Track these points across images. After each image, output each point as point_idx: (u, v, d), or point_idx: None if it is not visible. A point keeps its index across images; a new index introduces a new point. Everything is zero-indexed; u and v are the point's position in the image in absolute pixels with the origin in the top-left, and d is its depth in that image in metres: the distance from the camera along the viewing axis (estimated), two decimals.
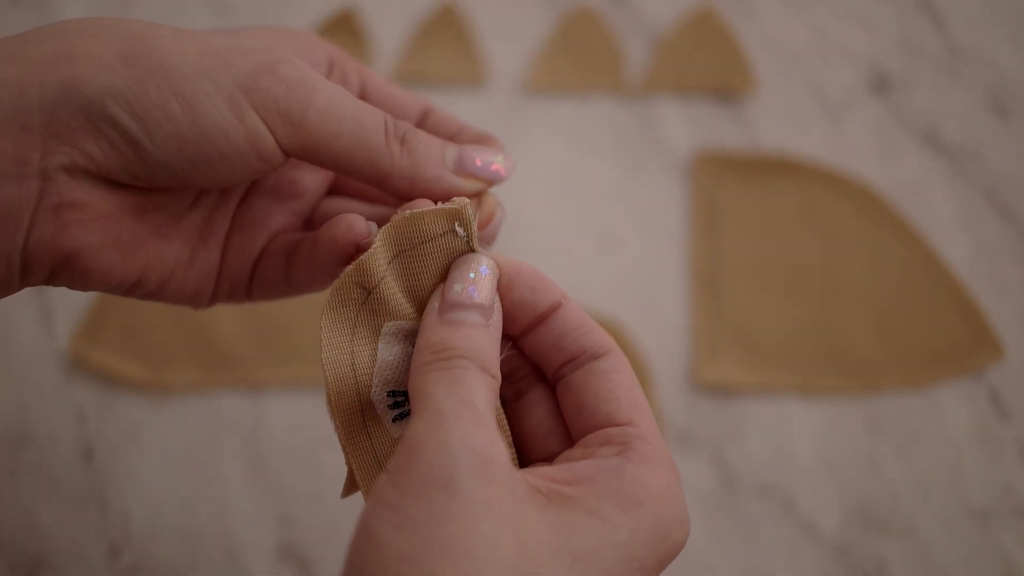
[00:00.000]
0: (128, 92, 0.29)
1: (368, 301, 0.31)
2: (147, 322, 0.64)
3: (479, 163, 0.34)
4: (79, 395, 0.63)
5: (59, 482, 0.61)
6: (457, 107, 0.69)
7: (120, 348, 0.63)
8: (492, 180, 0.35)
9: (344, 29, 0.70)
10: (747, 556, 0.60)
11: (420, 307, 0.32)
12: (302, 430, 0.62)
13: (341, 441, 0.31)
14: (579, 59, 0.69)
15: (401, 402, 0.32)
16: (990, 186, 0.66)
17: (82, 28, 0.30)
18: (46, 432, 0.62)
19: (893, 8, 0.70)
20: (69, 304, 0.64)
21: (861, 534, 0.60)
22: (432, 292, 0.31)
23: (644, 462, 0.28)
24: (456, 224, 0.31)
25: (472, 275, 0.31)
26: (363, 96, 0.37)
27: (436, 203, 0.31)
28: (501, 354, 0.31)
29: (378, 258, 0.30)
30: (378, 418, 0.32)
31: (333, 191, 0.40)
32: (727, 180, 0.67)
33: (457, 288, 0.30)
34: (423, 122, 0.38)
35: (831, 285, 0.64)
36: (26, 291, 0.64)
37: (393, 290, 0.31)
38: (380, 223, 0.32)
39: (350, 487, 0.32)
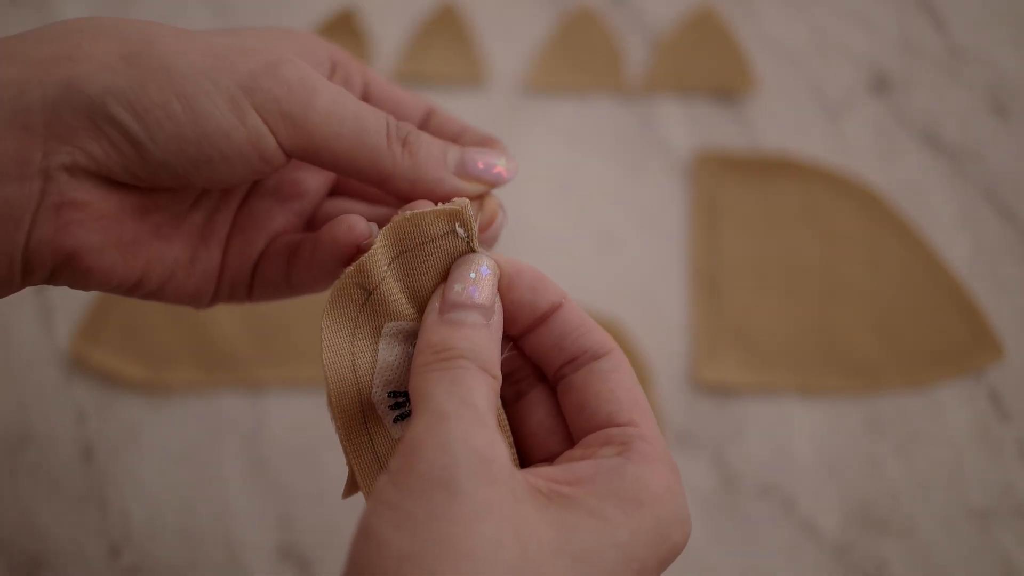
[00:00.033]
0: (130, 92, 0.29)
1: (369, 302, 0.31)
2: (147, 322, 0.64)
3: (481, 165, 0.34)
4: (79, 395, 0.63)
5: (59, 482, 0.61)
6: (457, 107, 0.69)
7: (120, 348, 0.63)
8: (494, 183, 0.35)
9: (344, 29, 0.70)
10: (747, 556, 0.60)
11: (421, 308, 0.32)
12: (302, 430, 0.62)
13: (342, 442, 0.31)
14: (579, 59, 0.69)
15: (402, 403, 0.32)
16: (990, 186, 0.66)
17: (83, 28, 0.30)
18: (46, 432, 0.62)
19: (893, 8, 0.70)
20: (69, 304, 0.64)
21: (861, 534, 0.60)
22: (433, 293, 0.31)
23: (645, 462, 0.28)
24: (457, 225, 0.31)
25: (473, 275, 0.31)
26: (365, 97, 0.37)
27: (437, 204, 0.31)
28: (502, 354, 0.31)
29: (379, 259, 0.30)
30: (379, 419, 0.32)
31: (335, 192, 0.40)
32: (727, 180, 0.67)
33: (458, 288, 0.30)
34: (426, 123, 0.38)
35: (831, 285, 0.64)
36: (26, 291, 0.64)
37: (394, 291, 0.31)
38: (381, 224, 0.32)
39: (351, 488, 0.32)
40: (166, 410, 0.63)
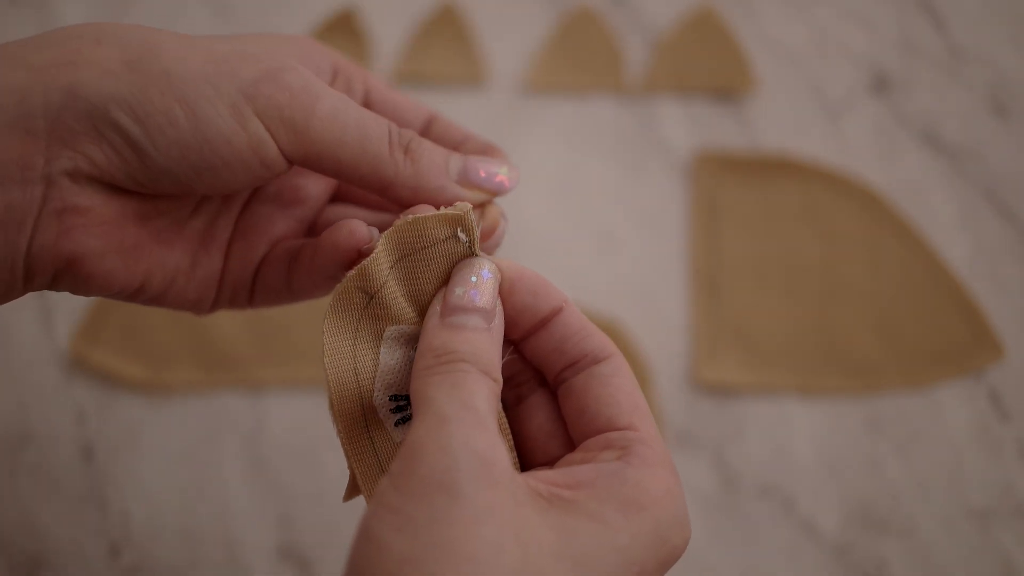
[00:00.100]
0: (132, 98, 0.29)
1: (370, 306, 0.31)
2: (147, 322, 0.64)
3: (483, 174, 0.34)
4: (79, 395, 0.63)
5: (59, 482, 0.61)
6: (457, 107, 0.69)
7: (120, 348, 0.63)
8: (496, 191, 0.35)
9: (344, 29, 0.70)
10: (747, 556, 0.60)
11: (422, 311, 0.32)
12: (302, 430, 0.62)
13: (343, 445, 0.31)
14: (579, 59, 0.69)
15: (403, 406, 0.32)
16: (990, 186, 0.66)
17: (86, 34, 0.30)
18: (46, 432, 0.62)
19: (893, 8, 0.70)
20: (69, 304, 0.64)
21: (861, 534, 0.60)
22: (434, 296, 0.31)
23: (645, 466, 0.28)
24: (459, 229, 0.31)
25: (474, 279, 0.31)
26: (367, 104, 0.37)
27: (439, 208, 0.31)
28: (502, 358, 0.31)
29: (380, 263, 0.30)
30: (380, 422, 0.32)
31: (336, 198, 0.40)
32: (727, 180, 0.67)
33: (459, 292, 0.30)
34: (427, 130, 0.38)
35: (831, 285, 0.64)
36: None
37: (395, 294, 0.31)
38: (383, 230, 0.32)
39: (352, 491, 0.32)
40: (166, 410, 0.63)
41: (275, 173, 0.32)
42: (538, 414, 0.32)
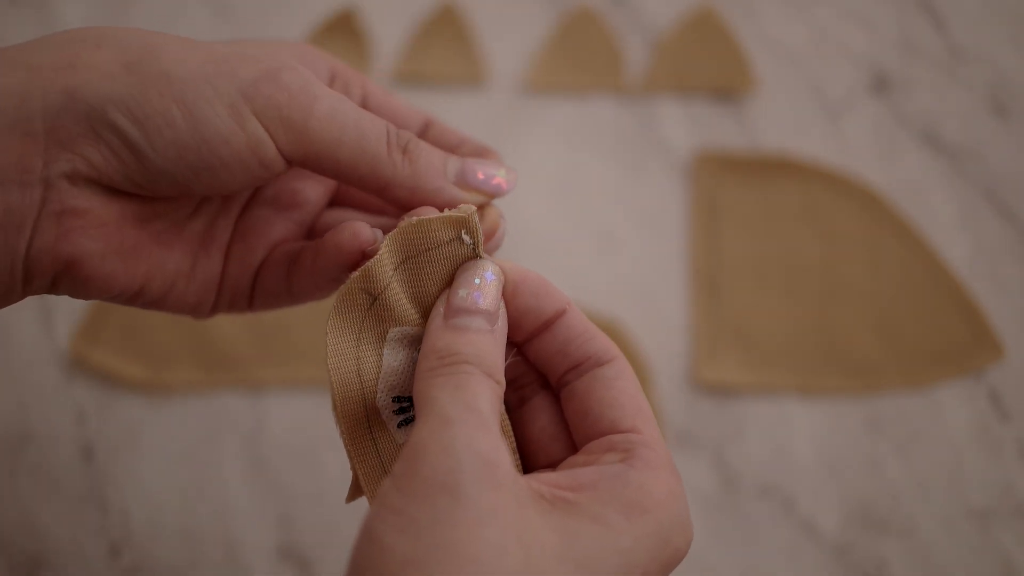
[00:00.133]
0: (129, 99, 0.29)
1: (374, 307, 0.31)
2: (147, 322, 0.64)
3: (481, 176, 0.34)
4: (79, 395, 0.63)
5: (59, 482, 0.61)
6: (457, 107, 0.69)
7: (120, 348, 0.63)
8: (494, 194, 0.35)
9: (344, 29, 0.70)
10: (747, 556, 0.60)
11: (425, 313, 0.32)
12: (302, 430, 0.62)
13: (346, 446, 0.31)
14: (579, 59, 0.69)
15: (406, 408, 0.32)
16: (990, 186, 0.66)
17: (85, 37, 0.30)
18: (46, 432, 0.62)
19: (893, 8, 0.70)
20: (69, 304, 0.64)
21: (861, 534, 0.60)
22: (438, 298, 0.31)
23: (648, 469, 0.28)
24: (462, 231, 0.31)
25: (477, 281, 0.31)
26: (364, 107, 0.37)
27: (443, 211, 0.31)
28: (506, 360, 0.31)
29: (384, 264, 0.30)
30: (383, 424, 0.32)
31: (335, 203, 0.40)
32: (727, 180, 0.67)
33: (462, 294, 0.30)
34: (424, 134, 0.38)
35: (831, 285, 0.64)
36: None
37: (399, 296, 0.31)
38: (385, 232, 0.32)
39: (355, 492, 0.32)
40: (166, 410, 0.63)
41: (274, 173, 0.32)
42: (541, 416, 0.32)
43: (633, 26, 0.70)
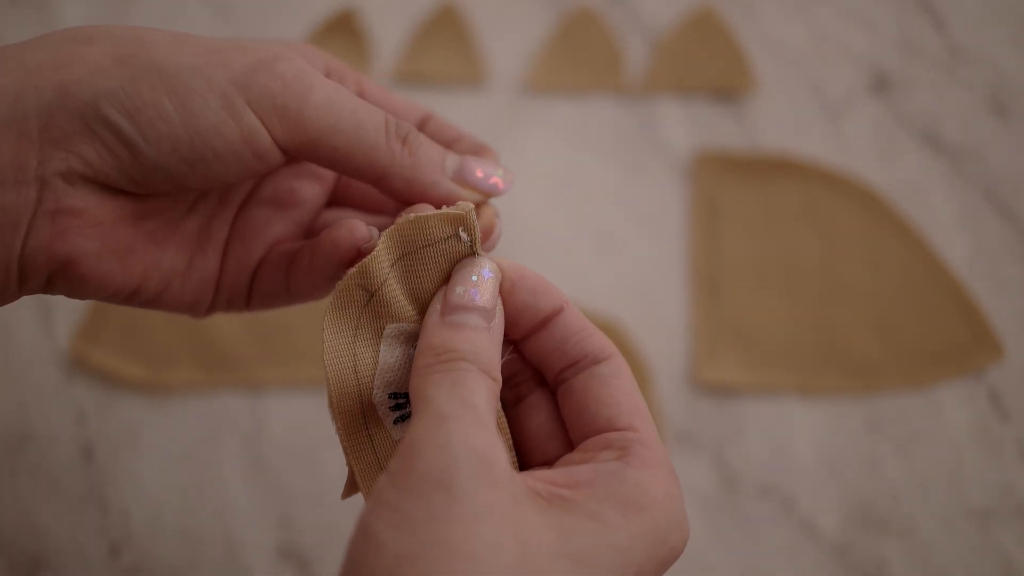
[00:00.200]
0: (121, 93, 0.29)
1: (371, 303, 0.31)
2: (147, 322, 0.64)
3: (480, 174, 0.34)
4: (79, 395, 0.63)
5: (59, 482, 0.61)
6: (457, 107, 0.69)
7: (120, 348, 0.63)
8: (490, 193, 0.35)
9: (344, 29, 0.70)
10: (747, 556, 0.60)
11: (422, 310, 0.32)
12: (302, 430, 0.62)
13: (342, 442, 0.31)
14: (579, 59, 0.69)
15: (403, 404, 0.32)
16: (990, 186, 0.66)
17: (80, 35, 0.30)
18: (46, 432, 0.62)
19: (893, 8, 0.70)
20: (69, 304, 0.64)
21: (861, 534, 0.60)
22: (434, 295, 0.31)
23: (644, 467, 0.28)
24: (460, 229, 0.31)
25: (475, 278, 0.31)
26: None
27: (440, 208, 0.31)
28: (502, 357, 0.31)
29: (381, 261, 0.30)
30: (379, 420, 0.32)
31: (333, 202, 0.40)
32: (727, 180, 0.67)
33: (459, 291, 0.30)
34: (422, 128, 0.38)
35: (831, 285, 0.64)
36: None
37: (396, 292, 0.31)
38: (382, 230, 0.32)
39: (351, 488, 0.32)
40: (166, 410, 0.63)
41: (270, 165, 0.32)
42: (537, 414, 0.32)
43: (633, 26, 0.70)
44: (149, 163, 0.30)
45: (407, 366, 0.32)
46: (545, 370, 0.32)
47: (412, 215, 0.31)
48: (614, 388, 0.31)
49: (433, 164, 0.33)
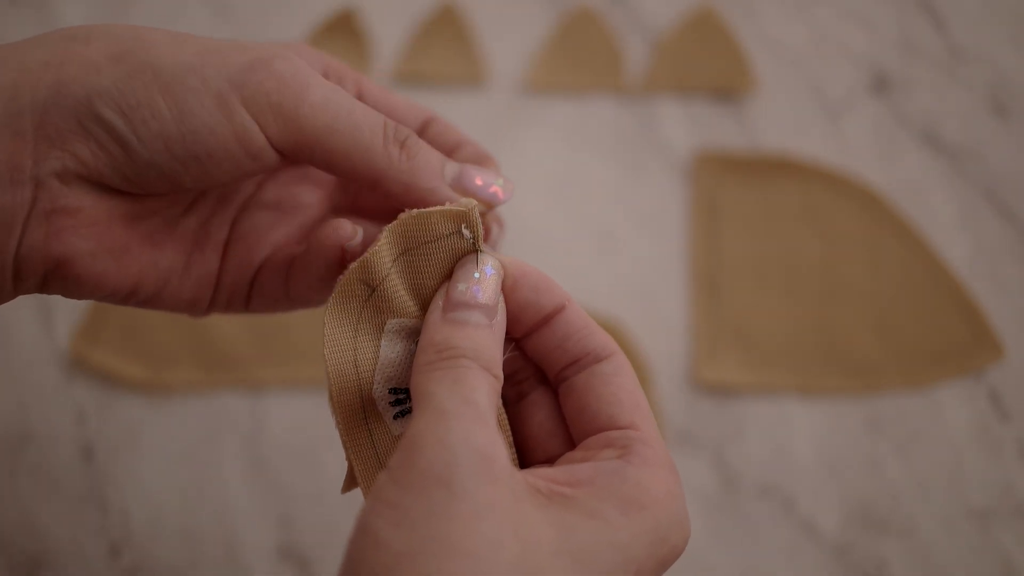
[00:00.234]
0: (115, 90, 0.29)
1: (372, 298, 0.31)
2: (147, 322, 0.64)
3: (479, 182, 0.34)
4: (79, 395, 0.63)
5: (59, 482, 0.61)
6: (457, 107, 0.69)
7: (120, 348, 0.63)
8: (489, 202, 0.35)
9: (344, 29, 0.70)
10: (747, 556, 0.60)
11: (424, 306, 0.32)
12: (302, 430, 0.62)
13: (342, 437, 0.31)
14: (579, 59, 0.69)
15: (403, 399, 0.32)
16: (990, 186, 0.66)
17: (79, 34, 0.30)
18: (46, 432, 0.62)
19: (893, 8, 0.70)
20: (69, 304, 0.64)
21: (861, 534, 0.60)
22: (437, 291, 0.31)
23: (645, 465, 0.28)
24: (463, 225, 0.31)
25: (477, 275, 0.31)
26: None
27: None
28: (504, 355, 0.31)
29: (383, 255, 0.30)
30: (379, 415, 0.32)
31: (337, 211, 0.40)
32: (727, 180, 0.67)
33: (461, 288, 0.30)
34: (424, 131, 0.38)
35: (831, 285, 0.64)
36: None
37: (397, 288, 0.31)
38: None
39: (350, 483, 0.32)
40: (166, 410, 0.63)
41: (265, 165, 0.32)
42: (538, 412, 0.32)
43: (633, 26, 0.70)
44: (142, 161, 0.30)
45: (408, 361, 0.32)
46: (547, 368, 0.32)
47: (415, 211, 0.31)
48: (616, 386, 0.30)
49: (432, 170, 0.33)
